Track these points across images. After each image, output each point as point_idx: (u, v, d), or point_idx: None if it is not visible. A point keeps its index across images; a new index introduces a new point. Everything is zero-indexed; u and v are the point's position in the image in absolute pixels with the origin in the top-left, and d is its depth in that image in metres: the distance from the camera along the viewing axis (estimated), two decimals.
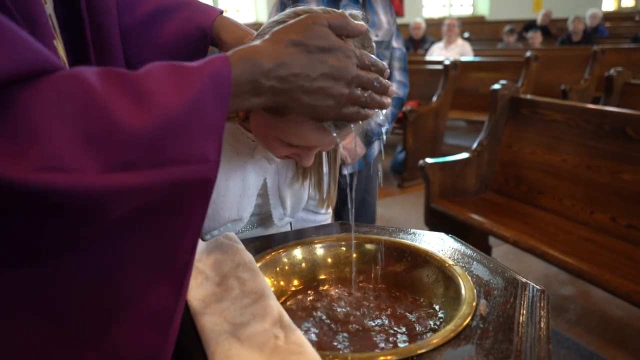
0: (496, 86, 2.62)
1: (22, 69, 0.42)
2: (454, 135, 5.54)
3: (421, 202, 2.77)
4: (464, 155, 2.63)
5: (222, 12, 0.84)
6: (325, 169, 0.92)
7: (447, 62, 4.27)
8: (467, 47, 5.83)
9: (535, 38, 6.55)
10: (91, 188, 0.42)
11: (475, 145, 2.67)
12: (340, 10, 0.67)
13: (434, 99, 4.27)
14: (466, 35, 7.99)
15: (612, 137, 2.15)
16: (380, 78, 0.64)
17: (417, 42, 6.96)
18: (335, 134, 0.68)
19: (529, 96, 2.64)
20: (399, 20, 2.23)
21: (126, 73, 0.48)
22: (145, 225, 0.49)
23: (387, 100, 0.65)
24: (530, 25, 8.14)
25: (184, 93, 0.48)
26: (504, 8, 10.68)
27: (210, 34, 0.82)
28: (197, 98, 0.48)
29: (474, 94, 4.75)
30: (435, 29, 7.73)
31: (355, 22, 0.62)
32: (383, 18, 1.95)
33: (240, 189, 0.89)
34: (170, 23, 0.82)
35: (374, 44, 0.71)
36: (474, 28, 9.59)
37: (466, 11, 11.31)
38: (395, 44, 2.00)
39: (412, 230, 0.93)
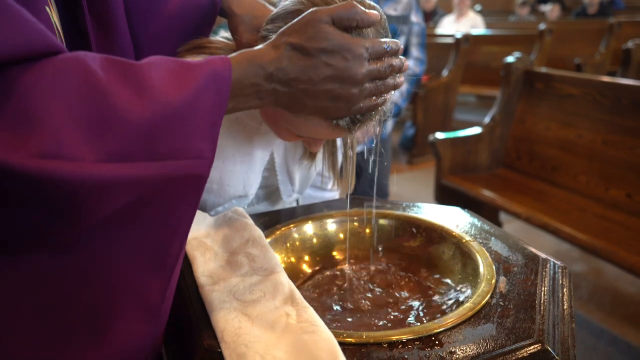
0: (510, 59, 2.55)
1: (22, 49, 0.41)
2: (464, 110, 5.45)
3: (431, 178, 2.73)
4: (476, 130, 2.57)
5: None
6: (340, 150, 0.88)
7: (458, 36, 4.17)
8: (478, 20, 5.70)
9: (554, 11, 6.39)
10: (88, 177, 0.42)
11: (487, 120, 2.61)
12: (349, 1, 0.62)
13: (445, 73, 4.19)
14: (478, 8, 7.81)
15: (630, 111, 2.09)
16: (394, 61, 0.60)
17: (427, 15, 6.81)
18: (349, 129, 0.65)
19: (543, 69, 2.56)
20: None
21: (129, 62, 0.47)
22: (137, 219, 0.50)
23: (401, 79, 0.62)
24: None
25: (184, 87, 0.48)
26: None
27: (219, 4, 0.79)
28: (197, 94, 0.49)
29: (485, 68, 4.66)
30: (446, 2, 7.55)
31: (367, 10, 0.58)
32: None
33: (247, 164, 0.86)
34: None
35: (387, 26, 0.67)
36: (486, 0, 9.36)
37: None
38: (414, 18, 1.94)
39: (426, 205, 0.90)
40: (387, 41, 0.60)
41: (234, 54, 0.55)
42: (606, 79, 2.26)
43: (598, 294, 2.31)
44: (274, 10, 0.72)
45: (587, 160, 2.26)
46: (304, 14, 0.56)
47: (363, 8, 0.58)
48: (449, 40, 4.41)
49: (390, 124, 1.94)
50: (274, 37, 0.57)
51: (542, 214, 2.09)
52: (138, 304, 0.54)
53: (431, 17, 6.62)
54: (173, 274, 0.57)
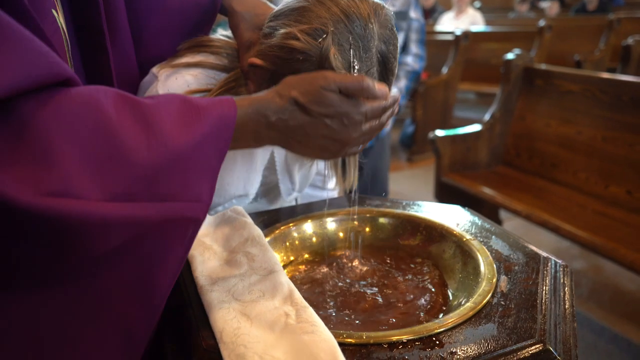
0: (510, 56, 2.54)
1: (38, 79, 0.42)
2: (464, 107, 5.44)
3: (430, 176, 2.72)
4: (476, 127, 2.57)
5: None
6: None
7: (458, 33, 4.16)
8: (478, 16, 5.68)
9: (553, 8, 6.37)
10: (91, 215, 0.43)
11: (487, 117, 2.60)
12: (360, 74, 0.62)
13: (444, 70, 4.18)
14: (477, 4, 7.80)
15: (630, 108, 2.08)
16: (386, 115, 0.64)
17: (427, 12, 6.79)
18: None
19: (543, 66, 2.55)
20: None
21: (141, 102, 0.49)
22: (132, 256, 0.51)
23: (388, 125, 0.66)
24: None
25: (190, 133, 0.50)
26: None
27: (220, 2, 0.78)
28: (201, 140, 0.51)
29: (485, 65, 4.65)
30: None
31: (376, 85, 0.60)
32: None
33: (247, 164, 0.86)
34: None
35: (394, 28, 0.67)
36: None
37: None
38: (413, 14, 1.93)
39: (426, 203, 0.90)
40: (388, 100, 0.62)
41: (240, 98, 0.57)
42: (606, 75, 2.25)
43: (598, 292, 2.31)
44: (276, 7, 0.71)
45: (586, 157, 2.25)
46: (315, 74, 0.59)
47: (372, 82, 0.60)
48: (449, 37, 4.40)
49: (389, 122, 1.94)
50: (279, 85, 0.60)
51: (542, 212, 2.08)
52: (121, 339, 0.55)
53: (430, 14, 6.61)
54: (159, 310, 0.57)
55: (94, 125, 0.44)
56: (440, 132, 2.51)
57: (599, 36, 4.64)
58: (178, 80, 0.76)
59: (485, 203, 2.39)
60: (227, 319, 0.58)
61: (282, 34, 0.65)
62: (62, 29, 0.61)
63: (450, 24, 5.59)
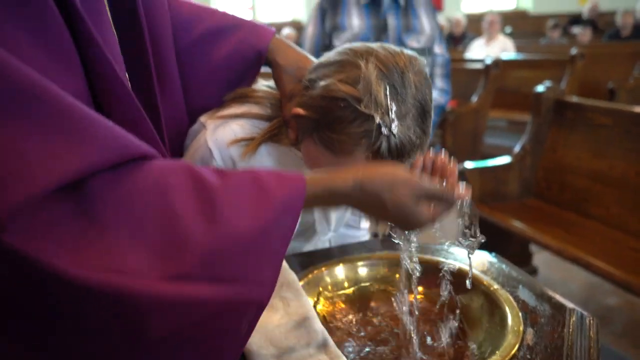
0: (540, 88, 2.55)
1: (115, 160, 0.45)
2: (495, 134, 5.39)
3: (458, 204, 2.72)
4: (506, 159, 2.57)
5: (274, 32, 0.85)
6: None
7: (488, 61, 4.17)
8: (508, 43, 5.68)
9: (585, 35, 6.31)
10: (148, 292, 0.43)
11: (517, 149, 2.61)
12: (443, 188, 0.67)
13: (474, 98, 4.19)
14: (508, 30, 7.79)
15: None
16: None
17: (456, 39, 6.84)
18: None
19: (574, 99, 2.55)
20: (438, 15, 2.20)
21: (210, 185, 0.50)
22: (192, 342, 0.49)
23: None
24: (575, 19, 7.86)
25: (257, 219, 0.50)
26: (547, 1, 10.33)
27: (264, 56, 0.84)
28: (267, 227, 0.51)
29: (516, 93, 4.63)
30: (476, 25, 7.56)
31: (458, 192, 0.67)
32: (426, 23, 1.94)
33: None
34: (225, 43, 0.83)
35: (432, 87, 0.72)
36: (516, 23, 9.31)
37: (508, 5, 11.00)
38: (437, 49, 1.98)
39: (456, 248, 0.92)
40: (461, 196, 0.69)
41: (313, 174, 0.60)
42: (638, 109, 2.24)
43: (633, 329, 2.26)
44: (317, 61, 0.77)
45: (619, 192, 2.23)
46: (398, 174, 0.62)
47: (456, 191, 0.67)
48: (479, 65, 4.41)
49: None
50: (353, 169, 0.63)
51: (574, 247, 2.06)
52: None
53: (460, 40, 6.65)
54: None
55: (160, 208, 0.46)
56: (469, 164, 2.52)
57: (634, 63, 4.58)
58: (226, 130, 0.82)
59: (515, 236, 2.38)
60: None
61: (324, 85, 0.70)
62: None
63: (480, 50, 5.61)
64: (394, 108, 0.67)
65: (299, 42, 6.79)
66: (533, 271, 2.70)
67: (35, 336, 0.44)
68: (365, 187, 0.60)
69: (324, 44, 1.92)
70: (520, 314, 0.72)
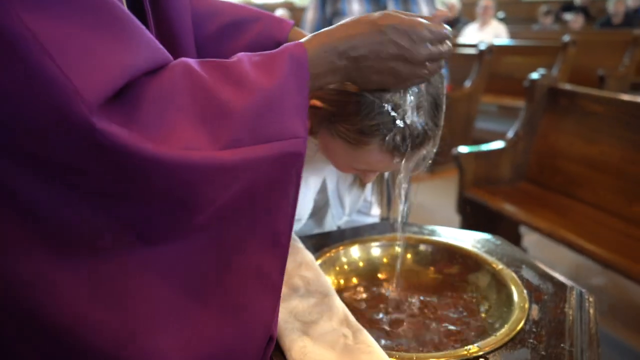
0: (534, 75, 2.60)
1: (154, 64, 0.51)
2: (486, 119, 5.47)
3: (452, 187, 2.78)
4: (499, 144, 2.63)
5: (293, 24, 0.88)
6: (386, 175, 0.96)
7: (482, 47, 4.21)
8: (501, 28, 5.71)
9: (577, 22, 6.36)
10: (212, 161, 0.49)
11: (510, 134, 2.66)
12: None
13: (467, 83, 4.23)
14: (501, 15, 7.81)
15: None
16: (448, 45, 0.67)
17: (450, 23, 6.85)
18: (402, 162, 0.73)
19: (567, 86, 2.61)
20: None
21: (223, 62, 0.55)
22: (251, 203, 0.56)
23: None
24: (568, 5, 7.89)
25: (272, 77, 0.55)
26: None
27: None
28: (283, 81, 0.55)
29: (508, 79, 4.68)
30: (470, 9, 7.57)
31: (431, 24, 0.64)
32: (424, 9, 1.96)
33: (302, 190, 0.95)
34: (245, 35, 0.86)
35: (444, 81, 0.75)
36: (510, 7, 9.32)
37: None
38: None
39: (459, 231, 0.98)
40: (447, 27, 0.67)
41: (306, 38, 0.62)
42: (629, 97, 2.30)
43: (617, 308, 2.35)
44: None
45: (610, 177, 2.30)
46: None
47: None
48: (472, 51, 4.45)
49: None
50: (348, 19, 0.63)
51: (564, 229, 2.14)
52: (263, 281, 0.60)
53: (454, 24, 6.65)
54: (286, 253, 0.62)
55: (192, 89, 0.51)
56: (463, 149, 2.58)
57: (624, 51, 4.64)
58: None
59: (506, 219, 2.45)
60: (293, 338, 0.67)
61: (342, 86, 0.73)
62: None
63: (474, 35, 5.63)
64: (408, 101, 0.70)
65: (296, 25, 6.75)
66: (522, 251, 2.78)
67: (110, 207, 0.49)
68: (372, 19, 0.61)
69: None
70: (525, 292, 0.77)
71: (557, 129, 2.57)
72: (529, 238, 2.85)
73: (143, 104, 0.48)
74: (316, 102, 0.77)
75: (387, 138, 0.71)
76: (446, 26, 0.66)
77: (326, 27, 2.00)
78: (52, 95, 0.42)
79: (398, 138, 0.71)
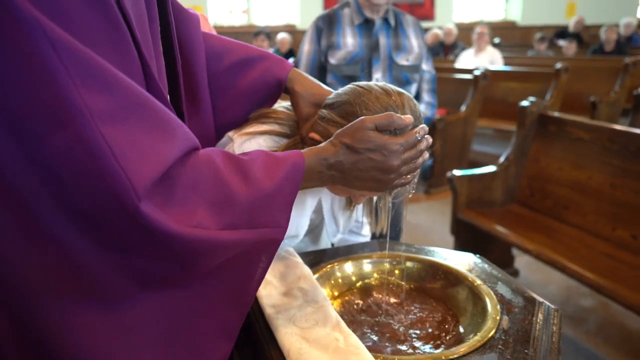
0: (525, 103, 2.72)
1: (186, 150, 0.63)
2: (482, 142, 5.59)
3: (447, 208, 2.89)
4: (491, 168, 2.74)
5: (293, 65, 1.00)
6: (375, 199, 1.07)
7: (477, 72, 4.35)
8: (497, 54, 5.88)
9: (570, 48, 6.54)
10: (215, 239, 0.63)
11: (502, 159, 2.78)
12: (388, 112, 0.80)
13: (463, 107, 4.37)
14: (497, 40, 8.01)
15: (636, 157, 2.24)
16: (422, 145, 0.79)
17: (447, 48, 7.04)
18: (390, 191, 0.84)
19: (556, 114, 2.73)
20: (430, 24, 2.34)
21: (240, 159, 0.70)
22: (233, 268, 0.70)
23: (427, 155, 0.81)
24: (562, 32, 8.11)
25: (273, 178, 0.70)
26: (536, 13, 10.59)
27: (284, 85, 0.98)
28: (281, 182, 0.70)
29: (503, 103, 4.82)
30: (466, 34, 7.77)
31: (402, 117, 0.77)
32: (414, 42, 2.09)
33: (299, 210, 1.05)
34: (251, 72, 0.98)
35: (414, 103, 0.86)
36: (505, 33, 9.57)
37: (498, 16, 11.25)
38: (425, 66, 2.13)
39: (445, 250, 1.08)
40: (419, 131, 0.78)
41: (306, 150, 0.76)
42: (615, 126, 2.42)
43: (605, 329, 2.43)
44: (330, 95, 0.91)
45: (596, 201, 2.41)
46: (355, 122, 0.77)
47: (398, 115, 0.77)
48: (468, 76, 4.59)
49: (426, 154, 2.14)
50: (333, 137, 0.78)
51: (552, 251, 2.23)
52: (224, 330, 0.74)
53: (451, 50, 6.83)
54: (248, 310, 0.76)
55: (212, 177, 0.64)
56: (457, 172, 2.69)
57: (616, 77, 4.79)
58: (251, 142, 0.96)
59: (498, 240, 2.55)
60: (291, 341, 0.76)
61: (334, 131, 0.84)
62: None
63: (469, 61, 5.80)
64: None
65: (293, 48, 6.81)
66: (514, 273, 2.87)
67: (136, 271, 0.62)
68: (349, 144, 0.75)
69: (319, 61, 2.06)
70: (498, 305, 0.87)
71: (546, 154, 2.68)
72: (521, 259, 2.95)
73: (175, 191, 0.61)
74: (315, 136, 0.88)
75: None
76: (420, 129, 0.79)
77: (321, 58, 2.16)
78: (113, 188, 0.54)
79: None
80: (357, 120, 0.77)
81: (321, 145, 0.78)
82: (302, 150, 0.75)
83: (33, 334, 0.60)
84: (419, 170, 0.83)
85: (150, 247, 0.60)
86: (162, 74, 0.76)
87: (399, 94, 0.85)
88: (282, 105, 1.06)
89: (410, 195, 0.89)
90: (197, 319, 0.69)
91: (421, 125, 0.81)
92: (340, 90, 0.89)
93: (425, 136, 0.81)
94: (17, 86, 0.51)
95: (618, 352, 2.25)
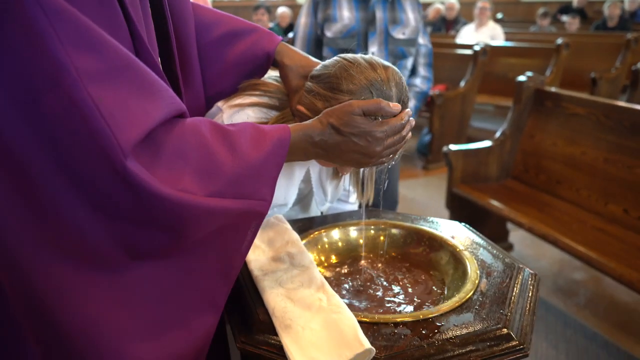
0: (521, 78, 2.72)
1: (171, 114, 0.65)
2: (482, 118, 5.60)
3: (444, 184, 2.91)
4: (487, 143, 2.75)
5: (281, 39, 1.01)
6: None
7: (476, 48, 4.33)
8: (498, 30, 5.83)
9: (573, 24, 6.47)
10: (199, 205, 0.65)
11: (498, 134, 2.79)
12: (377, 99, 0.81)
13: (462, 83, 4.35)
14: (499, 16, 7.92)
15: (630, 133, 2.26)
16: (405, 131, 0.82)
17: (449, 23, 6.96)
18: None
19: (553, 89, 2.73)
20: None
21: (227, 129, 0.72)
22: (219, 240, 0.72)
23: (409, 136, 0.84)
24: (565, 7, 8.01)
25: (259, 150, 0.72)
26: None
27: (272, 58, 0.99)
28: (266, 156, 0.72)
29: (503, 79, 4.81)
30: (469, 9, 7.68)
31: (390, 104, 0.79)
32: (411, 16, 2.08)
33: (287, 179, 1.07)
34: (240, 44, 0.99)
35: (399, 77, 0.87)
36: (508, 8, 9.43)
37: None
38: (421, 40, 2.13)
39: (432, 219, 1.10)
40: (403, 116, 0.81)
41: (293, 125, 0.78)
42: (609, 101, 2.42)
43: (595, 301, 2.48)
44: (317, 67, 0.92)
45: (589, 176, 2.43)
46: (344, 104, 0.79)
47: (387, 102, 0.79)
48: (468, 51, 4.56)
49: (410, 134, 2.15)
50: (321, 115, 0.80)
51: (544, 225, 2.27)
52: (210, 302, 0.76)
53: (453, 25, 6.76)
54: (233, 281, 0.79)
55: (199, 146, 0.66)
56: (453, 147, 2.70)
57: (617, 54, 4.76)
58: (240, 114, 0.98)
59: (494, 215, 2.58)
60: (277, 300, 0.80)
61: (325, 106, 0.84)
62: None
63: (470, 36, 5.75)
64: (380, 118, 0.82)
65: (293, 22, 6.74)
66: (508, 247, 2.92)
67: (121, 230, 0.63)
68: (335, 125, 0.77)
69: (315, 34, 2.06)
70: (478, 270, 0.90)
71: (542, 130, 2.70)
72: (516, 234, 2.98)
73: (161, 154, 0.63)
74: (301, 109, 0.89)
75: None
76: (404, 113, 0.81)
77: (317, 31, 2.15)
78: (102, 145, 0.57)
79: None
80: (346, 103, 0.79)
81: (309, 122, 0.79)
82: (289, 126, 0.77)
83: (30, 296, 0.62)
84: (401, 150, 0.85)
85: (138, 210, 0.62)
86: (151, 38, 0.78)
87: (385, 67, 0.85)
88: (271, 76, 1.07)
89: (393, 163, 0.90)
90: (184, 290, 0.72)
91: (406, 110, 0.82)
92: (327, 62, 0.90)
93: (410, 119, 0.83)
94: (12, 49, 0.53)
95: (605, 324, 2.30)
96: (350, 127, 0.77)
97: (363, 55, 0.88)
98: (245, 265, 0.91)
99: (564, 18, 6.96)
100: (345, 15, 2.00)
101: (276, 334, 0.74)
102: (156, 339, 0.69)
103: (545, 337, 2.22)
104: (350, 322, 0.74)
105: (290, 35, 5.90)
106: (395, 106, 0.80)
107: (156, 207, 0.62)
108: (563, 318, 2.34)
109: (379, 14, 2.00)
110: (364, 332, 0.72)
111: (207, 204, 0.65)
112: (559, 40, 4.50)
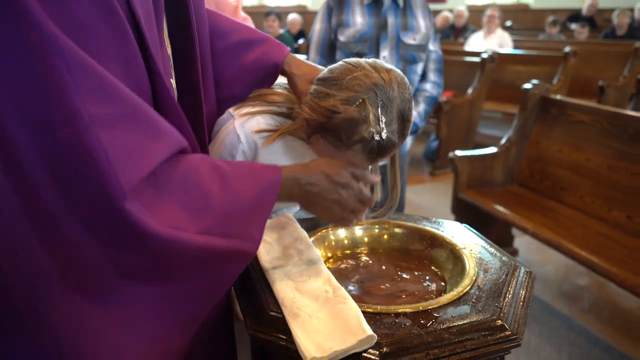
0: (527, 85, 2.77)
1: (173, 152, 0.68)
2: (489, 125, 5.63)
3: (450, 190, 2.95)
4: (492, 149, 2.80)
5: (290, 50, 1.07)
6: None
7: (484, 55, 4.37)
8: (506, 37, 5.87)
9: (582, 33, 6.49)
10: (190, 241, 0.66)
11: (504, 140, 2.83)
12: (364, 170, 0.91)
13: (470, 90, 4.40)
14: (508, 23, 7.95)
15: (634, 140, 2.29)
16: (369, 201, 0.91)
17: (458, 30, 7.02)
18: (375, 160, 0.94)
19: (558, 96, 2.77)
20: (441, 7, 2.38)
21: (224, 170, 0.74)
22: (207, 272, 0.73)
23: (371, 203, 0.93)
24: (575, 15, 8.02)
25: (252, 191, 0.75)
26: None
27: (281, 67, 1.06)
28: (258, 198, 0.76)
29: (511, 86, 4.84)
30: (478, 17, 7.72)
31: (370, 175, 0.91)
32: (422, 23, 2.14)
33: None
34: (251, 53, 1.05)
35: (401, 78, 0.93)
36: (517, 16, 9.47)
37: None
38: (432, 46, 2.18)
39: (435, 219, 1.16)
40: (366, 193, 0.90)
41: (286, 166, 0.84)
42: (613, 109, 2.46)
43: (599, 306, 2.51)
44: (323, 71, 0.98)
45: (593, 183, 2.46)
46: (337, 160, 0.89)
47: (372, 176, 0.90)
48: (476, 58, 4.61)
49: (409, 141, 2.20)
50: (311, 163, 0.88)
51: (548, 230, 2.30)
52: (188, 324, 0.76)
53: (462, 33, 6.81)
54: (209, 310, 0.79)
55: (195, 185, 0.69)
56: (459, 152, 2.75)
57: (625, 62, 4.78)
58: (251, 121, 1.04)
59: (499, 220, 2.62)
60: (286, 292, 0.85)
61: (329, 104, 0.90)
62: (175, 90, 0.87)
63: (479, 44, 5.80)
64: (384, 119, 0.88)
65: (303, 29, 6.82)
66: (514, 252, 2.95)
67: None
68: (327, 172, 0.84)
69: (329, 39, 2.13)
70: (476, 266, 0.95)
71: (547, 136, 2.74)
72: (521, 240, 3.02)
73: (162, 191, 0.65)
74: (306, 111, 0.94)
75: (366, 147, 0.90)
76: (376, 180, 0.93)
77: (331, 36, 2.22)
78: (104, 185, 0.59)
79: (375, 147, 0.89)
80: (337, 162, 0.89)
81: (299, 165, 0.86)
82: (282, 167, 0.82)
83: (31, 314, 0.63)
84: (362, 215, 0.94)
85: (133, 243, 0.63)
86: (166, 60, 0.80)
87: (388, 70, 0.91)
88: (280, 84, 1.13)
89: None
90: (168, 313, 0.72)
91: (376, 179, 0.93)
92: (332, 66, 0.96)
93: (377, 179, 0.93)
94: (35, 89, 0.56)
95: (609, 328, 2.33)
96: (340, 177, 0.86)
97: (367, 59, 0.94)
98: (256, 260, 0.97)
99: (573, 26, 6.98)
100: (358, 20, 2.06)
101: (285, 322, 0.79)
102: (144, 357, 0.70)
103: (548, 340, 2.25)
104: (354, 311, 0.79)
105: (301, 41, 6.01)
106: (372, 177, 0.91)
107: (150, 241, 0.63)
108: (567, 322, 2.37)
109: (391, 20, 2.06)
110: (367, 321, 0.77)
111: (196, 241, 0.67)
112: (567, 48, 4.53)
